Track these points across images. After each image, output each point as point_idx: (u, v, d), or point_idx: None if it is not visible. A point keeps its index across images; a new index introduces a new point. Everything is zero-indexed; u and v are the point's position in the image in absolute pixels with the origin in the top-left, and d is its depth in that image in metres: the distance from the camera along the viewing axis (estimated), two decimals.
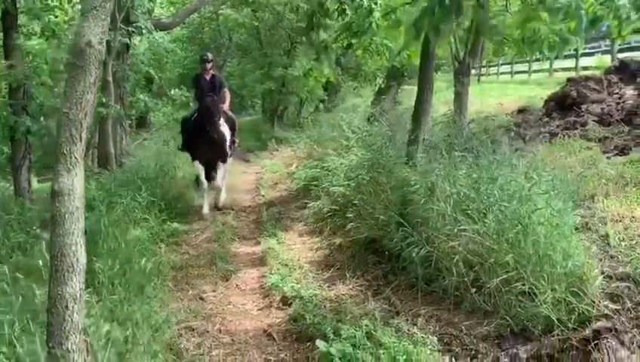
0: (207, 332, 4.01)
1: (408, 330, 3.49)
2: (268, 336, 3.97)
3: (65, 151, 2.43)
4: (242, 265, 5.66)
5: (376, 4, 5.29)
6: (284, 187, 9.77)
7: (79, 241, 2.46)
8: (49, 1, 8.58)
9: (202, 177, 7.54)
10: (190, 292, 4.87)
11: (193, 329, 4.05)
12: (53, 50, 8.67)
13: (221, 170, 7.78)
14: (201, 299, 4.74)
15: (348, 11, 5.30)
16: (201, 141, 7.42)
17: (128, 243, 5.02)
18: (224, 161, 7.82)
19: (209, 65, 8.15)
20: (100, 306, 3.40)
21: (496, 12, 6.44)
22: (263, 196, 9.11)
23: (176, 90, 12.42)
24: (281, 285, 4.65)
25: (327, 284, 4.71)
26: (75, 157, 2.44)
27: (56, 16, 8.71)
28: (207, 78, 8.12)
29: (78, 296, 2.46)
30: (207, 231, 6.88)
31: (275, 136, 15.79)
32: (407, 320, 3.71)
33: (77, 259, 2.45)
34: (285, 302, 4.42)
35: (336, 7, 5.30)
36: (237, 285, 5.12)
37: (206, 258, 5.73)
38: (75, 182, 2.44)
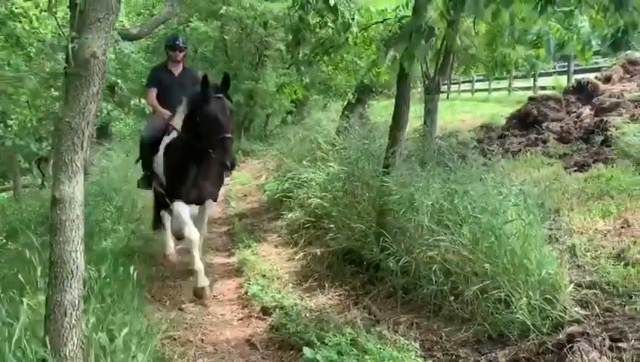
0: (190, 341, 4.03)
1: (391, 337, 3.61)
2: (250, 345, 4.01)
3: (67, 160, 2.45)
4: (218, 276, 5.68)
5: (353, 19, 5.47)
6: (254, 199, 9.81)
7: (79, 248, 2.49)
8: (13, 8, 8.42)
9: (186, 217, 4.92)
10: (168, 302, 4.87)
11: (175, 339, 4.05)
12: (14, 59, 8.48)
13: (209, 211, 5.56)
14: (180, 309, 4.74)
15: (330, 24, 5.44)
16: (198, 175, 4.88)
17: (104, 254, 4.98)
18: (216, 199, 5.47)
19: (180, 55, 5.78)
20: (90, 314, 3.38)
21: (464, 32, 6.73)
22: (233, 208, 9.12)
23: (141, 100, 12.32)
24: (261, 295, 4.71)
25: (306, 294, 4.78)
26: (77, 166, 2.47)
27: (21, 22, 8.54)
28: (176, 72, 5.78)
29: (77, 302, 2.48)
30: (181, 242, 6.85)
31: (242, 149, 15.81)
32: (389, 327, 3.81)
33: (77, 266, 2.47)
34: (266, 311, 4.47)
35: (317, 20, 5.43)
36: (215, 296, 5.14)
37: (181, 269, 5.72)
38: (76, 190, 2.47)
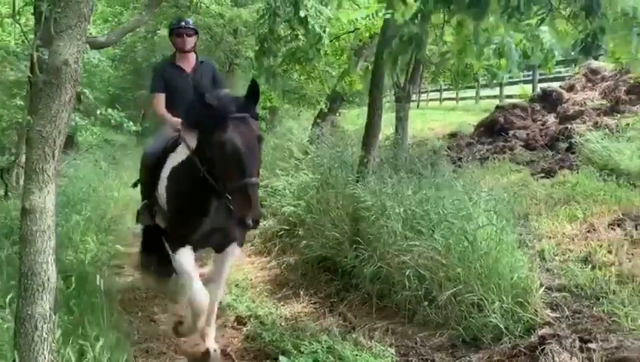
0: (164, 353, 3.95)
1: (366, 344, 3.62)
2: (225, 356, 3.96)
3: (37, 169, 2.40)
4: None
5: (325, 31, 5.51)
6: None
7: (50, 260, 2.43)
8: None
9: (189, 267, 3.59)
10: (140, 314, 4.78)
11: (148, 352, 3.97)
12: None
13: (231, 260, 4.00)
14: (152, 321, 4.66)
15: (300, 36, 5.47)
16: (218, 212, 3.43)
17: (73, 265, 4.88)
18: (242, 242, 4.08)
19: (189, 43, 4.33)
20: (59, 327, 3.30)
21: (431, 42, 6.86)
22: None
23: (109, 110, 12.11)
24: (235, 305, 4.67)
25: (281, 303, 4.77)
26: (48, 175, 2.42)
27: None
28: (188, 68, 4.38)
29: (48, 315, 2.42)
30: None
31: None
32: (364, 334, 3.83)
33: (48, 278, 2.41)
34: (240, 321, 4.43)
35: (288, 32, 5.46)
36: (187, 306, 5.06)
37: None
38: (47, 200, 2.41)
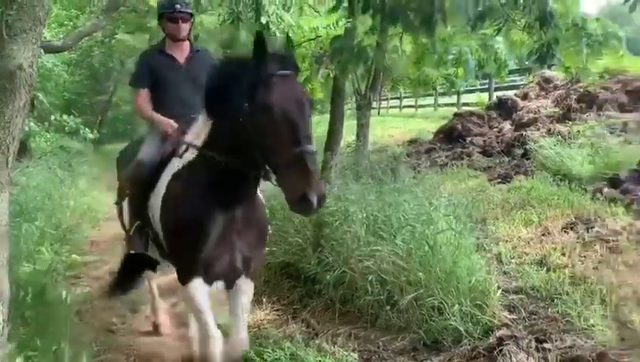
0: None
1: (330, 349, 3.63)
2: None
3: None
4: (150, 296, 5.49)
5: (287, 38, 5.53)
6: None
7: (2, 271, 2.35)
8: None
9: (204, 306, 3.03)
10: (98, 325, 4.66)
11: None
12: None
13: (250, 293, 3.27)
14: (111, 331, 4.55)
15: None
16: (231, 229, 2.88)
17: (26, 276, 4.73)
18: (256, 273, 3.40)
19: (184, 30, 3.64)
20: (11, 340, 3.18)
21: (390, 51, 6.99)
22: None
23: (64, 115, 11.79)
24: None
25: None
26: (1, 183, 2.34)
27: None
28: (181, 57, 3.68)
29: (1, 328, 2.34)
30: (109, 262, 6.59)
31: None
32: (327, 340, 3.83)
33: (0, 290, 2.33)
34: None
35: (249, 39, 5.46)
36: (147, 316, 4.97)
37: None
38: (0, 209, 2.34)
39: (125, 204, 3.60)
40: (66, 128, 12.19)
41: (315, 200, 2.32)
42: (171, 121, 3.43)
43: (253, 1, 4.95)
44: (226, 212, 2.82)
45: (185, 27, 3.64)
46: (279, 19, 5.43)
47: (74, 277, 5.98)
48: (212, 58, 3.83)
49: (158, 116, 3.55)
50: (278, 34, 5.19)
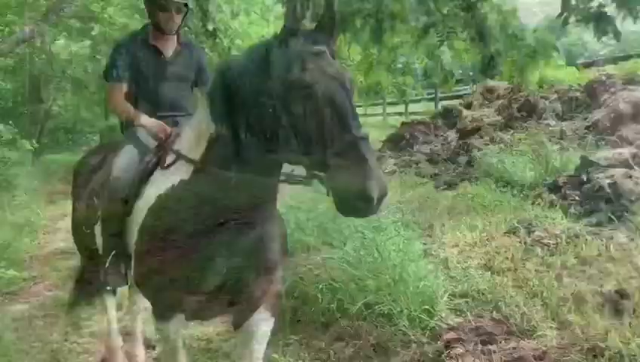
0: None
1: (280, 360, 3.60)
2: None
3: None
4: (94, 311, 5.29)
5: (233, 44, 5.51)
6: None
7: None
8: None
9: (178, 343, 2.71)
10: (38, 344, 4.45)
11: None
12: None
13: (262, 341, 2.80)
14: (52, 351, 4.35)
15: (207, 50, 5.42)
16: (232, 253, 2.32)
17: None
18: (276, 310, 2.82)
19: (175, 21, 3.13)
20: None
21: (339, 60, 7.07)
22: None
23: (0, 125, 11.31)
24: (144, 328, 4.46)
25: (192, 324, 4.62)
26: None
27: None
28: (167, 51, 3.19)
29: None
30: (49, 277, 6.33)
31: None
32: (278, 350, 3.81)
33: None
34: (149, 345, 4.25)
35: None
36: (91, 332, 4.79)
37: (51, 306, 5.27)
38: None
39: (97, 229, 2.93)
40: (2, 138, 11.68)
41: (375, 195, 1.79)
42: (163, 124, 2.92)
43: (199, 9, 4.90)
44: (221, 237, 2.27)
45: (178, 19, 3.15)
46: (226, 27, 5.40)
47: (11, 294, 5.71)
48: (201, 54, 3.45)
49: (145, 117, 3.01)
50: (226, 42, 5.15)
